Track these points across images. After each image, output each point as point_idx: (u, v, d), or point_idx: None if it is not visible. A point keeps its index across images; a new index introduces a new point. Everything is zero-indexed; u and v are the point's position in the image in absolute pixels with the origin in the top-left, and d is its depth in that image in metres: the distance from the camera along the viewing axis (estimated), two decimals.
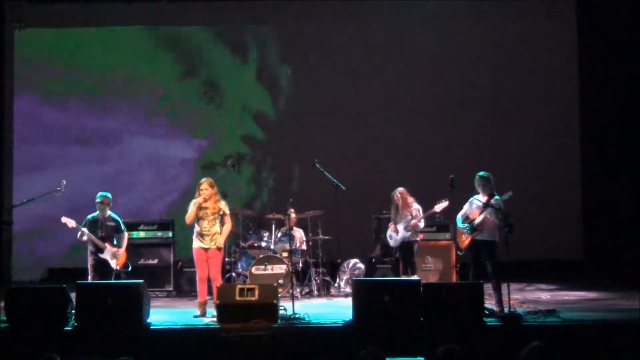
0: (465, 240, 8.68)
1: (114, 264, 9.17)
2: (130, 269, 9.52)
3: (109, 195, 9.29)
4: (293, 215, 10.62)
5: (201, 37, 13.07)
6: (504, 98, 12.96)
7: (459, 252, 8.84)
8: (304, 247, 10.86)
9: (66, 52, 12.90)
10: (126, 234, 9.45)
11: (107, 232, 9.17)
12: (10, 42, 12.76)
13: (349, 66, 12.96)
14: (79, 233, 9.05)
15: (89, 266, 9.14)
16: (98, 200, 9.19)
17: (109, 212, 9.26)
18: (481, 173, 8.72)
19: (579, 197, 12.92)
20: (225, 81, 13.08)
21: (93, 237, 9.05)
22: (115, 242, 9.24)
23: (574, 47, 13.00)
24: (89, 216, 9.21)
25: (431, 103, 12.91)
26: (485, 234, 8.56)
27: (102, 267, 9.10)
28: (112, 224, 9.25)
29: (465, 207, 8.80)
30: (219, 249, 8.83)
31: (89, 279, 8.94)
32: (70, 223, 9.09)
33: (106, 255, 9.12)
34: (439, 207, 9.51)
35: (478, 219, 8.56)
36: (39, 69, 12.87)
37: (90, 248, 9.13)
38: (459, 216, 8.81)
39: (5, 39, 12.69)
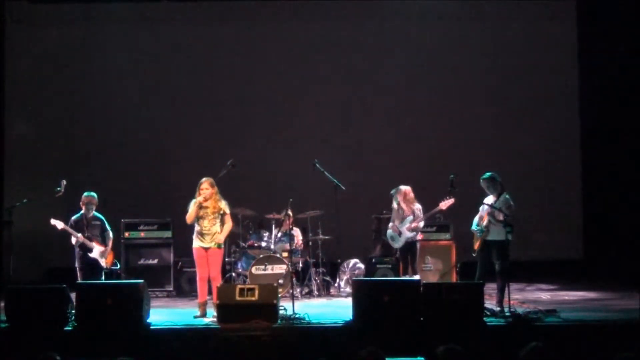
0: (477, 242, 8.73)
1: (103, 262, 9.21)
2: (118, 266, 9.52)
3: (95, 195, 9.30)
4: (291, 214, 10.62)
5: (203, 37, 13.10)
6: (503, 98, 12.94)
7: (473, 254, 8.82)
8: (303, 246, 10.87)
9: (66, 52, 12.88)
10: (111, 233, 9.46)
11: (94, 232, 9.20)
12: (10, 42, 12.74)
13: (349, 66, 12.92)
14: (72, 238, 9.08)
15: (77, 267, 9.17)
16: (84, 200, 9.20)
17: (92, 212, 9.28)
18: (484, 175, 8.71)
19: (579, 198, 12.91)
20: (223, 78, 13.07)
21: (82, 237, 9.07)
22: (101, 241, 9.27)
23: (574, 47, 12.99)
24: (74, 217, 9.24)
25: (431, 103, 12.90)
26: (493, 234, 8.57)
27: (92, 267, 9.13)
28: (97, 223, 9.29)
29: (480, 210, 8.82)
30: (219, 247, 8.82)
31: (79, 279, 8.95)
32: (60, 225, 9.12)
33: (95, 255, 9.15)
34: (444, 204, 9.33)
35: (485, 221, 8.61)
36: (39, 69, 12.85)
37: (78, 249, 9.15)
38: (475, 219, 8.83)
39: (6, 39, 12.67)
